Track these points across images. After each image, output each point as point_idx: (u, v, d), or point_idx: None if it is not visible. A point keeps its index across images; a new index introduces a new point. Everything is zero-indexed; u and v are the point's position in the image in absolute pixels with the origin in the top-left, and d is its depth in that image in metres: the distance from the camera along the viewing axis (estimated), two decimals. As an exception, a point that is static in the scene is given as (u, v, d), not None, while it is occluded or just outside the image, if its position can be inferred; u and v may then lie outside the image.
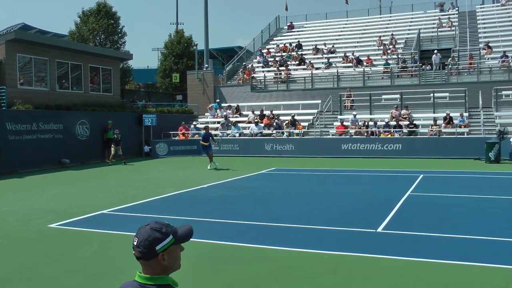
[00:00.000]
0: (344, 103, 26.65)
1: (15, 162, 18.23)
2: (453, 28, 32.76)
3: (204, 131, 19.69)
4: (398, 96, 25.62)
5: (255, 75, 31.74)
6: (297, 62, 32.83)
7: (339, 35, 36.99)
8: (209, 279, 5.96)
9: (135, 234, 2.00)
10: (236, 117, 28.20)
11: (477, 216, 9.28)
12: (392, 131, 23.07)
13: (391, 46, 31.76)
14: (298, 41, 36.23)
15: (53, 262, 6.77)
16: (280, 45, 36.27)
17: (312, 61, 31.86)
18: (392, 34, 33.32)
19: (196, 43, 34.72)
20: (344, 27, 38.55)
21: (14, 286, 5.88)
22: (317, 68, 31.11)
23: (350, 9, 50.89)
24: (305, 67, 31.65)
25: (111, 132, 21.94)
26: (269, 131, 25.45)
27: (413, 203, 10.59)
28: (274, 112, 26.92)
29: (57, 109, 20.99)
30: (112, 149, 21.51)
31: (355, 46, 33.80)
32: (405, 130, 22.93)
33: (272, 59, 34.15)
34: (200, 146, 20.14)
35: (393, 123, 23.48)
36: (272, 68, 32.58)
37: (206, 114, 30.23)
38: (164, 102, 34.55)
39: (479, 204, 10.53)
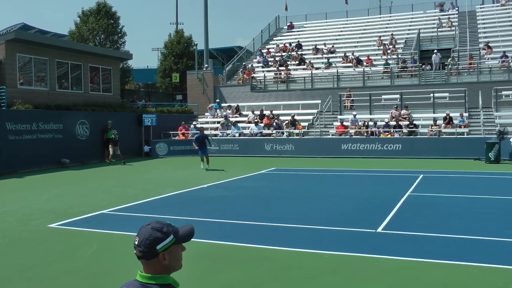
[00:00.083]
0: (344, 103, 26.65)
1: (15, 162, 18.24)
2: (453, 28, 32.77)
3: (199, 133, 19.30)
4: (398, 96, 25.63)
5: (255, 75, 31.75)
6: (297, 62, 32.83)
7: (339, 35, 37.00)
8: (209, 279, 5.97)
9: (135, 233, 2.01)
10: (236, 117, 28.21)
11: (477, 216, 9.29)
12: (392, 131, 23.07)
13: (391, 46, 31.76)
14: (298, 41, 36.23)
15: (53, 262, 6.78)
16: (280, 45, 36.28)
17: (312, 61, 31.86)
18: (392, 34, 33.32)
19: (196, 43, 34.74)
20: (344, 27, 38.55)
21: (14, 286, 5.89)
22: (317, 68, 31.12)
23: (350, 9, 51.00)
24: (305, 67, 31.66)
25: (111, 132, 21.96)
26: (269, 131, 25.46)
27: (413, 203, 10.60)
28: (274, 112, 26.92)
29: (57, 109, 20.99)
30: (110, 149, 21.53)
31: (355, 46, 33.80)
32: (405, 130, 22.94)
33: (272, 59, 34.15)
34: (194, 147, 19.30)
35: (393, 123, 23.49)
36: (272, 68, 32.58)
37: (206, 114, 30.23)
38: (164, 102, 34.54)
39: (478, 205, 10.54)
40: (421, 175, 15.32)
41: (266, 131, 25.48)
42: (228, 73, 33.49)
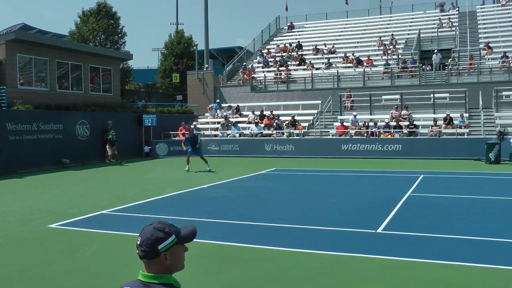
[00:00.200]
0: (344, 104, 26.65)
1: (15, 162, 18.24)
2: (453, 29, 32.77)
3: (189, 134, 18.84)
4: (398, 96, 25.62)
5: (255, 75, 31.74)
6: (297, 63, 32.83)
7: (339, 35, 37.00)
8: (209, 279, 5.97)
9: (135, 233, 2.01)
10: (236, 117, 28.21)
11: (477, 217, 9.28)
12: (392, 131, 23.06)
13: (391, 47, 31.76)
14: (298, 41, 36.23)
15: (53, 262, 6.77)
16: (280, 45, 36.28)
17: (312, 61, 31.86)
18: (392, 35, 33.33)
19: (196, 43, 34.72)
20: (344, 28, 38.55)
21: (14, 286, 5.89)
22: (317, 69, 31.11)
23: (350, 9, 51.06)
24: (305, 67, 31.65)
25: (110, 132, 21.98)
26: (269, 132, 25.46)
27: (413, 204, 10.60)
28: (274, 112, 26.92)
29: (57, 109, 20.99)
30: (108, 149, 21.54)
31: (355, 47, 33.80)
32: (405, 131, 22.93)
33: (272, 59, 34.15)
34: (190, 148, 18.48)
35: (393, 123, 23.48)
36: (272, 69, 32.58)
37: (206, 114, 30.23)
38: (164, 102, 34.54)
39: (479, 205, 10.53)
40: (421, 176, 15.31)
41: (266, 132, 25.47)
42: (228, 73, 33.49)
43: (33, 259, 6.88)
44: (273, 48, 36.29)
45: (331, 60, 31.70)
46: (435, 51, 29.90)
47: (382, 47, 31.91)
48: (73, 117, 21.33)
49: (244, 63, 34.55)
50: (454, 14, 36.10)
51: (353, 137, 23.42)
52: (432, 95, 24.76)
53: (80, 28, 37.18)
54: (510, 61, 26.18)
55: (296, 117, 25.94)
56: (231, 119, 27.53)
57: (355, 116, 24.72)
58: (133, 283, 1.96)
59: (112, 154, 21.55)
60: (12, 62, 20.09)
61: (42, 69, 21.85)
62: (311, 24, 41.12)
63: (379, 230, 8.10)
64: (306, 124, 26.05)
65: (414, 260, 6.45)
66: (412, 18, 37.79)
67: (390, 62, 29.69)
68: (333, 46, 33.96)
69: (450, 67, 27.48)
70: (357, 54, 31.34)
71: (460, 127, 22.40)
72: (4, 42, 19.83)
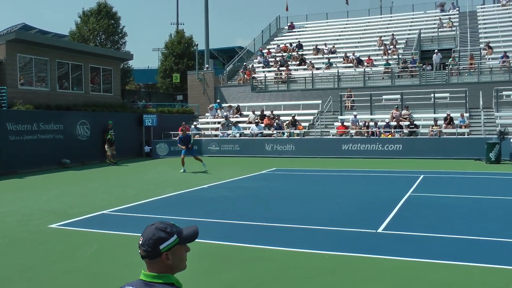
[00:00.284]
0: (345, 103, 26.64)
1: (16, 162, 18.24)
2: (453, 28, 32.76)
3: (181, 133, 18.48)
4: (398, 96, 25.61)
5: (255, 75, 31.74)
6: (297, 62, 32.82)
7: (340, 35, 36.99)
8: (209, 279, 5.96)
9: (135, 234, 2.01)
10: (237, 117, 28.20)
11: (477, 217, 9.27)
12: (392, 131, 23.05)
13: (391, 46, 31.75)
14: (299, 41, 36.22)
15: (53, 262, 6.77)
16: (281, 45, 36.27)
17: (312, 61, 31.85)
18: (392, 34, 33.31)
19: (196, 43, 34.77)
20: (344, 27, 38.54)
21: (14, 286, 5.89)
22: (317, 68, 31.10)
23: (351, 9, 51.04)
24: (305, 67, 31.64)
25: (109, 132, 21.98)
26: (270, 132, 25.45)
27: (414, 204, 10.59)
28: (274, 112, 26.91)
29: (58, 109, 21.00)
30: (107, 149, 21.53)
31: (356, 46, 33.79)
32: (405, 131, 22.92)
33: (273, 59, 34.15)
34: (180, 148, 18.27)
35: (393, 123, 23.47)
36: (272, 68, 32.57)
37: (207, 114, 30.23)
38: (165, 102, 34.56)
39: (479, 205, 10.52)
40: (422, 176, 15.30)
41: (266, 132, 25.47)
42: (228, 73, 33.49)
43: (33, 259, 6.88)
44: (274, 48, 36.28)
45: (331, 60, 31.69)
46: (436, 51, 29.89)
47: (382, 47, 31.90)
48: (74, 117, 21.33)
49: (244, 63, 34.55)
50: (454, 14, 36.08)
51: (354, 137, 23.41)
52: (432, 95, 24.75)
53: (81, 28, 37.20)
54: (511, 61, 26.16)
55: (296, 117, 25.94)
56: (231, 119, 27.52)
57: (355, 116, 24.71)
58: (135, 283, 1.96)
59: (111, 154, 21.56)
60: (13, 62, 20.10)
61: (42, 69, 21.86)
62: (311, 24, 41.11)
63: (380, 230, 8.10)
64: (306, 124, 26.04)
65: (415, 260, 6.45)
66: (412, 18, 37.78)
67: (390, 62, 29.67)
68: (333, 46, 33.95)
69: (450, 67, 27.47)
70: (357, 54, 31.33)
71: (461, 127, 22.39)
72: (4, 42, 19.83)
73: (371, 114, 25.45)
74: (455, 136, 21.86)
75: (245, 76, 32.01)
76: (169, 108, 30.26)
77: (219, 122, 27.75)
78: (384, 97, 26.36)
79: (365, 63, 30.18)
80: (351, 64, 30.49)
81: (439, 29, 33.00)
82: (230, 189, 13.49)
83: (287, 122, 25.79)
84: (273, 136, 24.99)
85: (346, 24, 39.19)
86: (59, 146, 20.22)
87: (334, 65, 30.94)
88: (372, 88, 27.36)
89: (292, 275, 6.04)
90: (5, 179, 16.48)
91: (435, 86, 26.32)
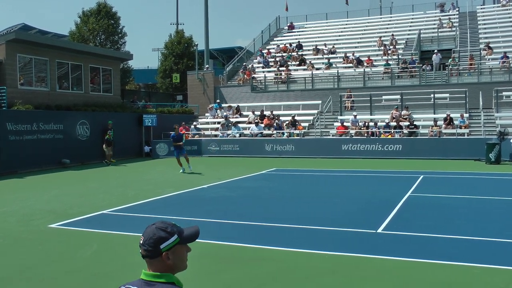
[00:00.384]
0: (345, 104, 26.65)
1: (16, 162, 18.24)
2: (453, 29, 32.76)
3: (174, 132, 18.33)
4: (398, 96, 25.62)
5: (255, 75, 31.74)
6: (297, 63, 32.82)
7: (340, 36, 36.99)
8: (209, 279, 5.96)
9: (135, 234, 2.02)
10: (236, 117, 28.20)
11: (477, 217, 9.28)
12: (392, 131, 23.06)
13: (391, 47, 31.75)
14: (299, 41, 36.23)
15: (53, 262, 6.77)
16: (281, 46, 36.27)
17: (312, 62, 31.85)
18: (392, 35, 33.32)
19: (196, 43, 34.71)
20: (344, 28, 38.55)
21: (14, 286, 5.89)
22: (317, 69, 31.11)
23: (351, 10, 50.89)
24: (305, 67, 31.65)
25: (112, 132, 22.00)
26: (270, 132, 25.45)
27: (413, 204, 10.59)
28: (274, 112, 26.92)
29: (57, 109, 21.01)
30: (105, 149, 21.52)
31: (356, 47, 33.79)
32: (405, 131, 22.92)
33: (273, 59, 34.14)
34: (174, 148, 18.20)
35: (393, 123, 23.47)
36: (272, 69, 32.57)
37: (207, 114, 30.23)
38: (164, 102, 34.55)
39: (479, 205, 10.52)
40: (422, 176, 15.30)
41: (266, 132, 25.47)
42: (228, 73, 33.49)
43: (33, 259, 6.88)
44: (273, 48, 36.28)
45: (331, 60, 31.69)
46: (435, 51, 29.90)
47: (382, 47, 31.90)
48: (73, 117, 21.33)
49: (244, 63, 34.55)
50: (454, 14, 36.09)
51: (353, 137, 23.41)
52: (432, 95, 24.76)
53: (80, 28, 37.18)
54: (510, 62, 26.17)
55: (296, 117, 25.94)
56: (231, 119, 27.53)
57: (355, 116, 24.72)
58: (135, 282, 1.97)
59: (109, 154, 21.55)
60: (12, 62, 20.10)
61: (42, 69, 21.86)
62: (311, 24, 41.11)
63: (380, 230, 8.10)
64: (306, 124, 26.04)
65: (415, 260, 6.45)
66: (412, 18, 37.78)
67: (390, 62, 29.68)
68: (333, 46, 33.95)
69: (450, 67, 27.48)
70: (357, 54, 31.33)
71: (460, 127, 22.39)
72: (4, 42, 19.83)
73: (371, 115, 25.45)
74: (455, 137, 21.86)
75: (245, 76, 32.01)
76: (169, 108, 30.26)
77: (219, 122, 27.75)
78: (384, 97, 26.37)
79: (365, 64, 30.18)
80: (351, 65, 30.50)
81: (439, 30, 33.01)
82: (230, 189, 13.49)
83: (287, 122, 25.79)
84: (273, 136, 24.99)
85: (346, 24, 39.19)
86: (59, 146, 20.22)
87: (334, 65, 30.94)
88: (372, 89, 27.36)
89: (292, 275, 6.04)
90: (5, 179, 16.49)
91: (435, 86, 26.33)
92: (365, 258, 6.58)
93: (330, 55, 32.71)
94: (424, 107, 24.95)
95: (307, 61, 32.18)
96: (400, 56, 30.35)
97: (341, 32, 37.79)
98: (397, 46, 31.91)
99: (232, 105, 29.56)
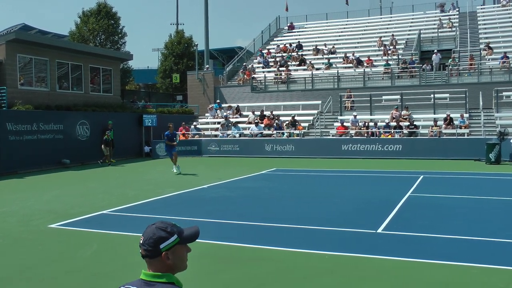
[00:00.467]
0: (344, 104, 26.65)
1: (16, 163, 18.25)
2: (453, 29, 32.77)
3: (168, 131, 18.14)
4: (398, 96, 25.62)
5: (255, 75, 31.75)
6: (297, 63, 32.83)
7: (340, 36, 37.00)
8: (209, 279, 5.97)
9: (136, 234, 2.02)
10: (236, 117, 28.21)
11: (477, 217, 9.28)
12: (392, 132, 23.06)
13: (391, 47, 31.76)
14: (299, 41, 36.24)
15: (53, 262, 6.78)
16: (281, 46, 36.28)
17: (312, 62, 31.86)
18: (392, 35, 33.33)
19: (196, 43, 34.71)
20: (344, 28, 38.56)
21: (14, 286, 5.89)
22: (317, 69, 31.12)
23: (351, 10, 50.83)
24: (305, 67, 31.66)
25: (111, 133, 22.00)
26: (269, 132, 25.46)
27: (413, 204, 10.60)
28: (274, 112, 26.92)
29: (57, 110, 21.01)
30: (104, 149, 21.51)
31: (356, 47, 33.80)
32: (405, 131, 22.92)
33: (273, 59, 34.16)
34: (166, 147, 18.29)
35: (393, 123, 23.47)
36: (272, 69, 32.58)
37: (206, 114, 30.24)
38: (164, 102, 34.56)
39: (479, 205, 10.53)
40: (422, 176, 15.31)
41: (266, 132, 25.48)
42: (228, 73, 33.50)
43: (33, 259, 6.89)
44: (273, 48, 36.29)
45: (331, 61, 31.70)
46: (435, 51, 29.91)
47: (382, 48, 31.91)
48: (73, 117, 21.33)
49: (244, 63, 34.56)
50: (454, 15, 36.10)
51: (353, 137, 23.42)
52: (432, 96, 24.76)
53: (80, 28, 37.19)
54: (511, 62, 26.17)
55: (296, 117, 25.95)
56: (231, 119, 27.53)
57: (355, 116, 24.72)
58: (135, 282, 1.97)
59: (104, 153, 21.54)
60: (12, 62, 20.10)
61: (42, 69, 21.86)
62: (311, 25, 41.12)
63: (379, 230, 8.10)
64: (306, 124, 26.05)
65: (414, 260, 6.45)
66: (412, 19, 37.79)
67: (390, 62, 29.69)
68: (333, 47, 33.96)
69: (450, 67, 27.48)
70: (357, 55, 31.34)
71: (460, 128, 22.40)
72: (4, 42, 19.83)
73: (371, 115, 25.46)
74: (455, 137, 21.87)
75: (245, 76, 32.02)
76: (169, 109, 30.27)
77: (218, 123, 27.76)
78: (384, 97, 26.37)
79: (365, 64, 30.19)
80: (351, 65, 30.50)
81: (439, 30, 33.02)
82: (230, 189, 13.50)
83: (287, 122, 25.80)
84: (273, 136, 25.00)
85: (346, 24, 39.20)
86: (59, 146, 20.23)
87: (334, 66, 30.95)
88: (372, 89, 27.37)
89: (291, 275, 6.04)
90: (5, 179, 16.49)
91: (435, 86, 26.34)
92: (364, 258, 6.59)
93: (330, 55, 32.72)
94: (424, 107, 24.95)
95: (307, 61, 32.19)
96: (400, 56, 30.36)
97: (341, 32, 37.80)
98: (397, 46, 31.92)
99: (232, 105, 29.57)
